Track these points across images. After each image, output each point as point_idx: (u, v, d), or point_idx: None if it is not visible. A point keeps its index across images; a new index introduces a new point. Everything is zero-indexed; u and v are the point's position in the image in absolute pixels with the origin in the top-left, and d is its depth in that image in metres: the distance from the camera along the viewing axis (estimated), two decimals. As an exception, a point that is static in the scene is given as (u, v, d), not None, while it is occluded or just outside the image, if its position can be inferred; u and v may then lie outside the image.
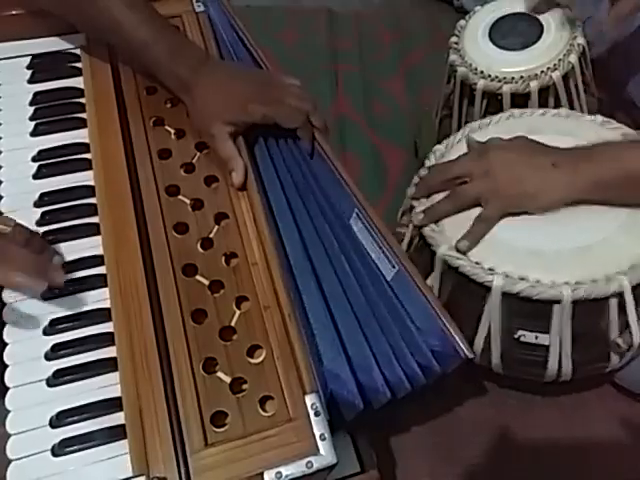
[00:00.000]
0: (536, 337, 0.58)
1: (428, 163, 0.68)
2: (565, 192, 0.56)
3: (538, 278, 0.55)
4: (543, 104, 0.76)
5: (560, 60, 0.74)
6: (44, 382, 0.48)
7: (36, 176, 0.59)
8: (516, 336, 0.58)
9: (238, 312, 0.49)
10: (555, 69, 0.74)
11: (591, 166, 0.56)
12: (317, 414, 0.43)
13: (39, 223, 0.56)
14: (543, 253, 0.56)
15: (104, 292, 0.51)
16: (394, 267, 0.50)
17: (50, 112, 0.63)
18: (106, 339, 0.49)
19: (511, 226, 0.58)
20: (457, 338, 0.47)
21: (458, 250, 0.58)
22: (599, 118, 0.66)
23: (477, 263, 0.57)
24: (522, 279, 0.55)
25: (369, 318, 0.50)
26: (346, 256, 0.53)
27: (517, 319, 0.58)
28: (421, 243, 0.64)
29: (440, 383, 0.49)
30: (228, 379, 0.46)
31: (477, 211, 0.59)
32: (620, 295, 0.55)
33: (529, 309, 0.56)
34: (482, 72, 0.76)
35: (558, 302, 0.54)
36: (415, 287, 0.49)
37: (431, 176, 0.64)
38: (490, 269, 0.56)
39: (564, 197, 0.57)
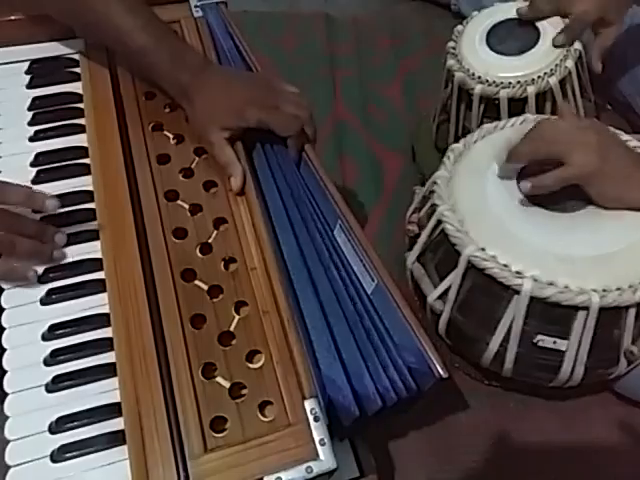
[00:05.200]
0: (554, 342, 0.58)
1: (447, 162, 0.67)
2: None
3: (566, 284, 0.55)
4: (540, 109, 0.76)
5: (557, 65, 0.75)
6: (43, 388, 0.48)
7: (35, 181, 0.58)
8: (534, 340, 0.58)
9: (237, 317, 0.49)
10: (552, 74, 0.74)
11: None
12: (316, 419, 0.43)
13: (38, 228, 0.56)
14: (570, 259, 0.56)
15: (103, 297, 0.51)
16: (373, 280, 0.50)
17: (49, 117, 0.63)
18: (105, 344, 0.49)
19: (539, 230, 0.58)
20: (432, 357, 0.46)
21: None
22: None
23: (505, 265, 0.57)
24: (550, 284, 0.55)
25: (358, 327, 0.49)
26: (335, 265, 0.53)
27: (538, 323, 0.58)
28: (438, 241, 0.64)
29: (437, 388, 0.49)
30: (227, 384, 0.46)
31: (500, 217, 0.60)
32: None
33: (552, 314, 0.56)
34: (479, 77, 0.76)
35: (584, 309, 0.55)
36: (393, 302, 0.49)
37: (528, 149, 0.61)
38: (518, 272, 0.56)
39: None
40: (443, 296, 0.64)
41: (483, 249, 0.58)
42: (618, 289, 0.54)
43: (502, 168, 0.63)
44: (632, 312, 0.56)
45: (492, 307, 0.59)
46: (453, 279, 0.61)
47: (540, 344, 0.58)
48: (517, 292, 0.56)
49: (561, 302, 0.54)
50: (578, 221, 0.58)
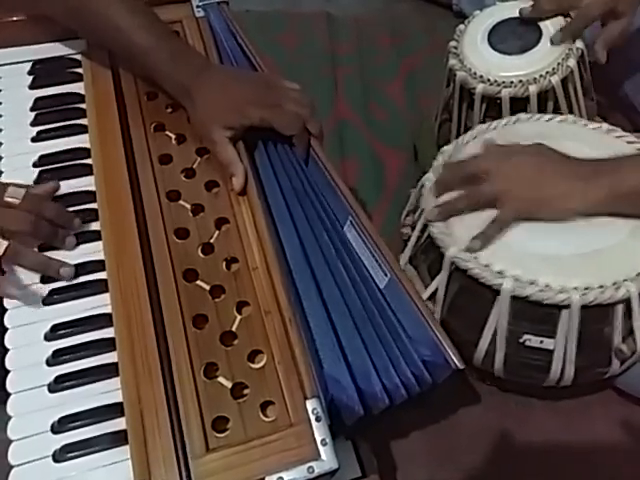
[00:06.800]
0: (541, 341, 0.58)
1: (436, 164, 0.67)
2: (579, 203, 0.56)
3: (547, 282, 0.55)
4: (542, 108, 0.76)
5: (559, 64, 0.74)
6: (45, 388, 0.48)
7: (37, 182, 0.59)
8: (521, 340, 0.58)
9: (239, 317, 0.49)
10: (554, 73, 0.74)
11: (609, 178, 0.56)
12: (318, 419, 0.43)
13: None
14: (552, 258, 0.56)
15: (105, 297, 0.51)
16: (386, 275, 0.50)
17: (51, 118, 0.63)
18: (107, 344, 0.49)
19: (521, 230, 0.58)
20: (448, 348, 0.47)
21: (470, 250, 0.58)
22: (605, 126, 0.67)
23: (486, 266, 0.57)
24: (532, 283, 0.55)
25: (366, 324, 0.50)
26: (342, 263, 0.53)
27: (523, 323, 0.58)
28: (427, 243, 0.64)
29: (439, 388, 0.49)
30: (229, 384, 0.46)
31: (488, 213, 0.59)
32: (627, 302, 0.55)
33: (536, 313, 0.56)
34: (481, 76, 0.76)
35: (566, 307, 0.54)
36: (407, 296, 0.49)
37: (447, 173, 0.64)
38: (499, 272, 0.56)
39: (578, 208, 0.57)
40: (433, 297, 0.64)
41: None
42: (601, 287, 0.54)
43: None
44: (620, 310, 0.55)
45: (478, 308, 0.59)
46: (440, 281, 0.61)
47: (527, 344, 0.58)
48: (498, 292, 0.56)
49: (542, 301, 0.54)
50: (561, 221, 0.58)
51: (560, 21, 0.77)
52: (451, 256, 0.58)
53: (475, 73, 0.76)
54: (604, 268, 0.55)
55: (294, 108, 0.57)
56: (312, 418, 0.44)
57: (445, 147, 0.69)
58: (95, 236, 0.55)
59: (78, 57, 0.67)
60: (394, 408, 0.47)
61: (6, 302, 0.52)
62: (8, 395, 0.48)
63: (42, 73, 0.66)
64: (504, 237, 0.58)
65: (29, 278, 0.53)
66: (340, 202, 0.55)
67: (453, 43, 0.81)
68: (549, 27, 0.77)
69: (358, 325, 0.50)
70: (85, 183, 0.58)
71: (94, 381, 0.48)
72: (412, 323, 0.49)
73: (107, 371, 0.48)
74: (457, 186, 0.62)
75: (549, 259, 0.56)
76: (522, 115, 0.70)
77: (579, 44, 0.75)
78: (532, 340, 0.58)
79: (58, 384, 0.48)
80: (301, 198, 0.57)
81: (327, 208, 0.56)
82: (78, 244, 0.55)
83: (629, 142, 0.64)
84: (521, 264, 0.56)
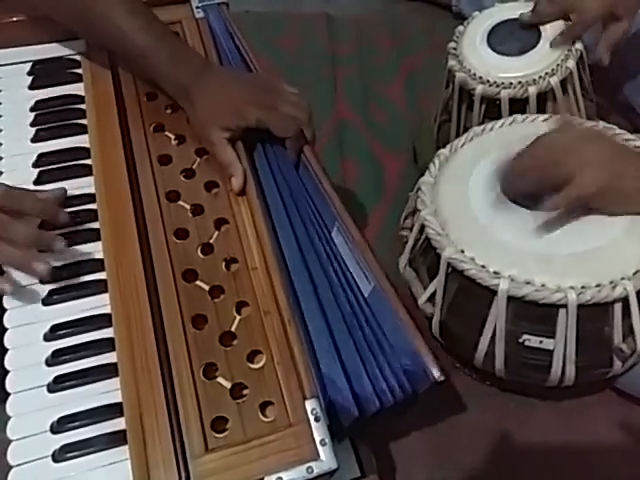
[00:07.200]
0: (540, 341, 0.58)
1: (432, 168, 0.68)
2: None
3: (544, 282, 0.55)
4: (541, 109, 0.76)
5: (558, 65, 0.74)
6: (45, 388, 0.48)
7: (37, 182, 0.59)
8: (520, 340, 0.59)
9: (238, 317, 0.49)
10: (553, 74, 0.74)
11: None
12: (317, 419, 0.43)
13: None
14: (549, 257, 0.56)
15: (105, 298, 0.51)
16: (370, 283, 0.50)
17: (51, 118, 0.63)
18: (107, 345, 0.49)
19: (519, 230, 0.58)
20: (427, 360, 0.46)
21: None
22: (601, 124, 0.67)
23: (482, 266, 0.57)
24: (528, 283, 0.55)
25: (356, 328, 0.49)
26: (332, 267, 0.53)
27: (522, 323, 0.58)
28: (425, 245, 0.65)
29: (439, 390, 0.49)
30: (228, 384, 0.46)
31: (484, 219, 0.59)
32: (625, 300, 0.55)
33: (534, 313, 0.56)
34: (480, 77, 0.76)
35: (563, 306, 0.55)
36: (389, 305, 0.49)
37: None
38: (495, 272, 0.56)
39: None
40: (432, 299, 0.64)
41: (462, 251, 0.58)
42: (597, 285, 0.54)
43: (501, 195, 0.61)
44: (618, 308, 0.55)
45: (476, 308, 0.59)
46: (438, 282, 0.61)
47: (527, 344, 0.59)
48: (495, 292, 0.56)
49: (538, 300, 0.54)
50: (557, 220, 0.58)
51: (560, 24, 0.77)
52: (447, 257, 0.58)
53: (474, 74, 0.77)
54: (601, 266, 0.55)
55: (291, 111, 0.57)
56: (311, 418, 0.44)
57: (441, 150, 0.69)
58: (94, 236, 0.55)
59: (78, 58, 0.67)
60: (384, 412, 0.47)
61: (6, 302, 0.52)
62: (8, 395, 0.48)
63: (42, 74, 0.66)
64: (501, 237, 0.58)
65: (28, 278, 0.53)
66: (328, 208, 0.55)
67: (452, 44, 0.81)
68: (548, 29, 0.77)
69: (350, 329, 0.49)
70: (84, 184, 0.58)
71: (93, 381, 0.48)
72: (394, 332, 0.48)
73: (106, 371, 0.48)
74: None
75: (545, 259, 0.56)
76: (518, 116, 0.70)
77: (578, 45, 0.76)
78: (531, 340, 0.58)
79: (57, 384, 0.48)
80: (297, 199, 0.57)
81: (316, 213, 0.56)
82: (78, 244, 0.55)
83: (626, 140, 0.65)
84: (517, 264, 0.56)
